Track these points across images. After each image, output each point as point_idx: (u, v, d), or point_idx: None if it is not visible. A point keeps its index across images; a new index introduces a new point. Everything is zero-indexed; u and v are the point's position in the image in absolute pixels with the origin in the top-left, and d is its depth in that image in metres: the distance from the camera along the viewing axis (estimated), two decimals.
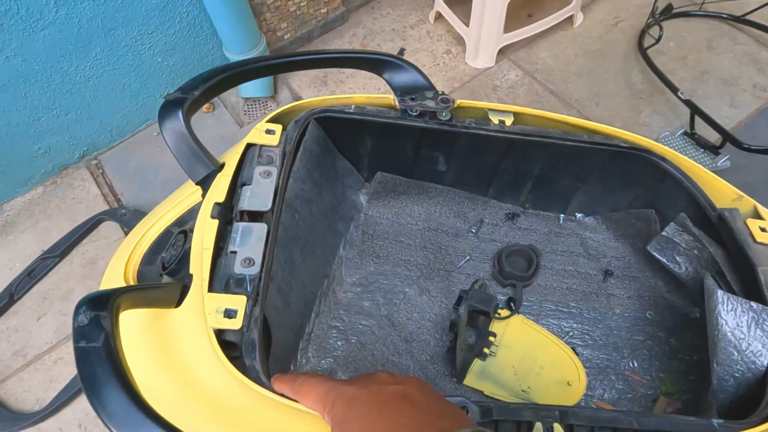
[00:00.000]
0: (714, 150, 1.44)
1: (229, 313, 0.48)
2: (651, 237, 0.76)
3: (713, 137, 1.54)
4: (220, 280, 0.51)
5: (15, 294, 1.33)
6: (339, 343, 0.71)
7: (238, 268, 0.51)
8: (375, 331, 0.72)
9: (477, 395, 0.70)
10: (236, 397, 0.46)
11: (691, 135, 1.49)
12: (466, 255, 0.82)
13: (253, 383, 0.45)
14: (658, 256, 0.72)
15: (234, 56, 1.42)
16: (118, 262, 0.63)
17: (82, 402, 1.12)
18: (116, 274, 0.61)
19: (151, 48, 1.38)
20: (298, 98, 1.58)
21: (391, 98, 0.68)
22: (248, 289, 0.50)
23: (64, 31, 1.21)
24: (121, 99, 1.45)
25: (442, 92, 0.68)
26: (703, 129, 1.52)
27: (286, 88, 1.60)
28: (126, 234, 1.40)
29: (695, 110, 1.47)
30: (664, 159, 0.68)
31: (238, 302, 0.49)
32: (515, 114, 0.70)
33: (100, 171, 1.52)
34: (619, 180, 0.77)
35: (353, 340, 0.71)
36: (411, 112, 0.67)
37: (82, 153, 1.51)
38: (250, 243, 0.53)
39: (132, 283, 0.61)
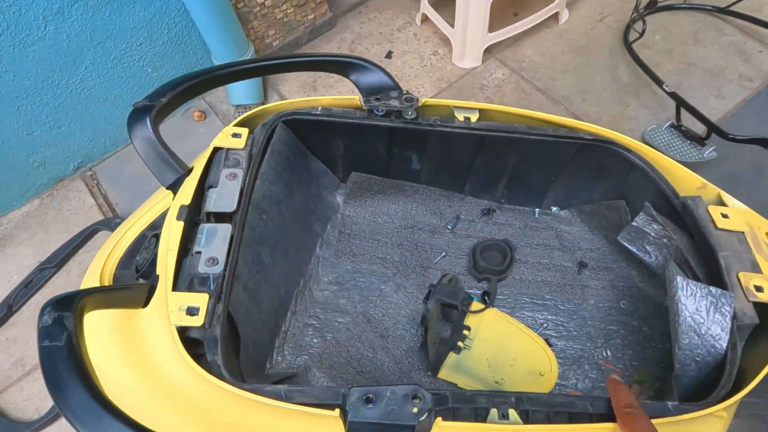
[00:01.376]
0: (700, 141, 1.44)
1: (192, 311, 0.50)
2: (623, 228, 0.77)
3: (700, 129, 1.54)
4: (185, 280, 0.53)
5: (13, 305, 1.35)
6: (315, 340, 0.73)
7: (202, 268, 0.53)
8: (351, 328, 0.74)
9: (451, 387, 0.71)
10: (199, 392, 0.48)
11: (678, 127, 1.49)
12: (443, 251, 0.84)
13: (215, 378, 0.47)
14: (628, 246, 0.73)
15: None
16: (95, 267, 0.66)
17: None
18: (93, 280, 0.63)
19: (141, 60, 1.40)
20: None
21: (357, 99, 0.70)
22: (211, 287, 0.52)
23: (54, 46, 1.24)
24: (113, 111, 1.48)
25: (407, 91, 0.70)
26: (689, 121, 1.52)
27: (276, 94, 1.63)
28: None
29: (681, 102, 1.47)
30: (628, 150, 0.69)
31: (201, 300, 0.51)
32: (480, 111, 0.71)
33: (95, 182, 1.55)
34: (589, 173, 0.78)
35: (329, 338, 0.73)
36: (377, 112, 0.69)
37: (76, 165, 1.54)
38: (214, 243, 0.55)
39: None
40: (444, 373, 0.71)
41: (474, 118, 0.71)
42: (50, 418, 1.11)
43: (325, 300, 0.76)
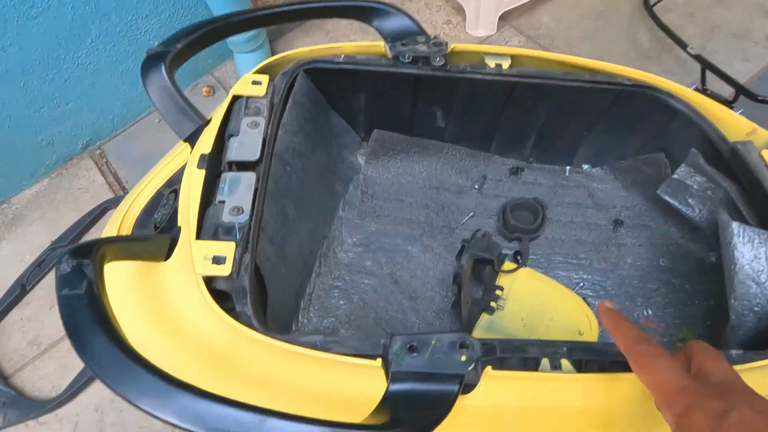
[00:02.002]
0: (728, 105, 1.39)
1: (218, 260, 0.47)
2: (661, 182, 0.73)
3: (726, 92, 1.48)
4: (209, 229, 0.49)
5: (27, 285, 1.33)
6: (341, 302, 0.69)
7: (227, 217, 0.50)
8: (378, 289, 0.70)
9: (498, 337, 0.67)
10: (229, 344, 0.45)
11: (703, 91, 1.44)
12: (470, 212, 0.80)
13: (247, 328, 0.44)
14: (669, 199, 0.69)
15: (230, 37, 1.40)
16: (111, 227, 0.62)
17: (98, 387, 1.12)
18: None
19: (147, 32, 1.36)
20: None
21: (381, 45, 0.66)
22: (237, 236, 0.49)
23: (58, 18, 1.20)
24: (120, 86, 1.44)
25: (435, 36, 0.65)
26: (714, 84, 1.47)
27: None
28: None
29: (706, 65, 1.42)
30: (671, 95, 0.65)
31: (227, 249, 0.47)
32: (512, 57, 0.67)
33: (104, 160, 1.52)
34: (625, 125, 0.74)
35: (355, 299, 0.69)
36: (403, 59, 0.65)
37: (85, 143, 1.51)
38: (238, 192, 0.52)
39: None
40: (477, 334, 0.68)
41: (506, 64, 0.67)
42: (68, 395, 1.10)
43: (350, 262, 0.73)
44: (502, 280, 0.73)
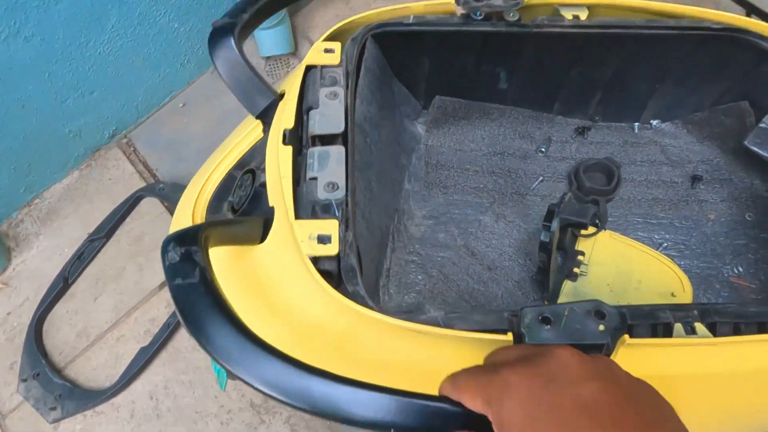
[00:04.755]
0: None
1: (323, 239, 0.43)
2: (744, 133, 0.68)
3: None
4: (305, 208, 0.46)
5: (69, 278, 1.32)
6: (419, 277, 0.66)
7: (322, 194, 0.46)
8: (455, 261, 0.67)
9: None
10: (346, 326, 0.42)
11: None
12: (539, 176, 0.76)
13: (365, 308, 0.40)
14: (759, 150, 0.65)
15: None
16: (182, 215, 0.59)
17: (151, 374, 1.11)
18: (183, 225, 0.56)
19: (166, 14, 1.31)
20: None
21: (452, 3, 0.61)
22: (337, 213, 0.45)
23: (78, 3, 1.15)
24: (143, 72, 1.39)
25: None
26: None
27: (307, 43, 1.53)
28: (167, 208, 1.37)
29: (749, 7, 1.35)
30: (763, 37, 0.60)
31: (331, 227, 0.44)
32: (588, 7, 0.62)
33: (132, 149, 1.48)
34: (704, 73, 0.69)
35: (434, 273, 0.66)
36: (475, 16, 0.60)
37: (112, 132, 1.46)
38: (329, 167, 0.48)
39: None
40: (562, 301, 0.65)
41: (583, 16, 0.62)
42: (122, 384, 1.09)
43: (422, 235, 0.69)
44: (582, 244, 0.69)
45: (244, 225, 0.45)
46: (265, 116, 0.55)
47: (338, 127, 0.50)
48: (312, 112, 0.52)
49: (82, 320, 1.27)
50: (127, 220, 1.37)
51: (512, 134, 0.78)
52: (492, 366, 0.36)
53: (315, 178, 0.47)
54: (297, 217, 0.45)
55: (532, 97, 0.76)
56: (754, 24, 0.61)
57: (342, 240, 0.44)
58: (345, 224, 0.45)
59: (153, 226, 1.35)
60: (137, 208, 1.38)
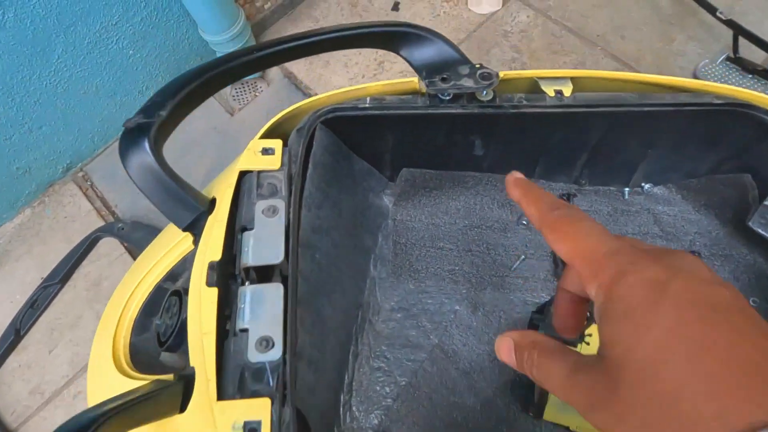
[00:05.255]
0: (764, 74, 1.24)
1: (251, 427, 0.35)
2: (745, 206, 0.60)
3: (760, 58, 1.34)
4: (232, 374, 0.37)
5: (21, 328, 1.22)
6: (387, 389, 0.57)
7: (254, 354, 0.37)
8: (427, 367, 0.59)
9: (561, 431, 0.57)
10: None
11: (736, 59, 1.29)
12: (520, 254, 0.67)
13: None
14: (764, 232, 0.57)
15: (212, 37, 1.23)
16: (104, 335, 0.49)
17: None
18: (103, 356, 0.47)
19: (119, 41, 1.19)
20: (290, 75, 1.39)
21: (415, 81, 0.52)
22: (270, 383, 0.36)
23: (18, 35, 1.03)
24: (97, 102, 1.27)
25: (480, 65, 0.51)
26: (747, 51, 1.32)
27: (275, 67, 1.41)
28: (127, 249, 1.27)
29: (738, 30, 1.26)
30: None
31: (261, 408, 0.35)
32: (572, 79, 0.53)
33: (89, 183, 1.36)
34: (700, 141, 0.60)
35: (403, 383, 0.57)
36: (443, 97, 0.51)
37: (66, 166, 1.35)
38: (263, 314, 0.39)
39: (124, 363, 0.47)
40: (550, 414, 0.57)
41: (567, 91, 0.53)
42: None
43: (390, 333, 0.60)
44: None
45: (157, 399, 0.36)
46: (194, 227, 0.45)
47: (277, 257, 0.41)
48: (245, 235, 0.42)
49: (36, 375, 1.18)
50: (84, 262, 1.27)
51: (490, 203, 0.69)
52: (612, 237, 0.27)
53: (246, 330, 0.38)
54: (221, 387, 0.36)
55: (510, 162, 0.67)
56: (759, 97, 0.52)
57: (275, 424, 0.35)
58: (281, 398, 0.36)
59: (112, 269, 1.25)
60: (95, 250, 1.28)
